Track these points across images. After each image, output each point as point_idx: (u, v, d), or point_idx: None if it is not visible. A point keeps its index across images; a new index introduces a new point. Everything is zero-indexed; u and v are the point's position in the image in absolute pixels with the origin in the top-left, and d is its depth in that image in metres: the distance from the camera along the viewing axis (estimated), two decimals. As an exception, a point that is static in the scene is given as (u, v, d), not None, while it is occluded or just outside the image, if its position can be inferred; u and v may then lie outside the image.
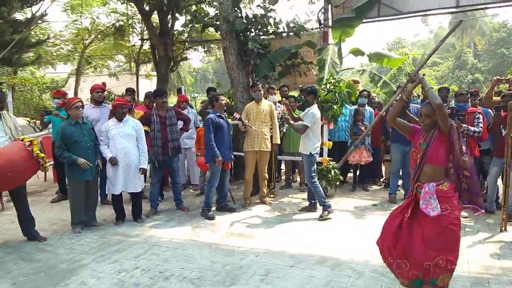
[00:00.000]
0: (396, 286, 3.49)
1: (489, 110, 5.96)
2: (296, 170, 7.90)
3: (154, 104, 6.15)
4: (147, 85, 20.80)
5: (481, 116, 5.41)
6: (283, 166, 8.24)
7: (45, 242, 4.78)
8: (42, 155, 4.43)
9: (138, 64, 15.84)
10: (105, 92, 6.76)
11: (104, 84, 6.50)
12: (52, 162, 6.73)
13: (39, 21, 11.67)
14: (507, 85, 6.13)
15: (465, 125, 5.35)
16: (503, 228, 4.88)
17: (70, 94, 16.47)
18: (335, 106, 6.38)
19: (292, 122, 5.85)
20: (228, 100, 9.03)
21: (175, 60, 12.07)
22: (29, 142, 4.36)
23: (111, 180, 5.31)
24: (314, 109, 5.70)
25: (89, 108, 6.23)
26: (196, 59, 44.27)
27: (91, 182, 5.21)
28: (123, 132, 5.26)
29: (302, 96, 7.00)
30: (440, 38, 51.27)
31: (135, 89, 14.99)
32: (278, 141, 6.33)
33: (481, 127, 5.35)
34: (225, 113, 6.08)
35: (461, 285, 3.49)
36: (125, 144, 5.25)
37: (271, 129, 6.30)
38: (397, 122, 3.37)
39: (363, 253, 4.25)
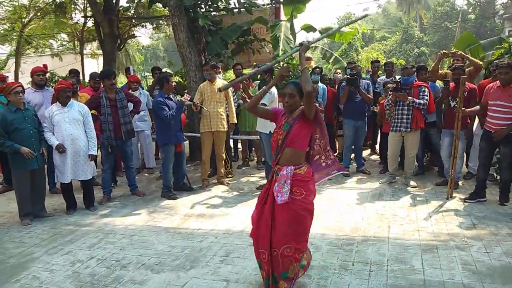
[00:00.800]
0: (352, 258, 3.63)
1: (436, 84, 6.21)
2: (253, 149, 7.91)
3: (102, 86, 5.86)
4: (93, 65, 19.85)
5: (426, 90, 5.60)
6: (239, 145, 8.22)
7: (-9, 237, 4.51)
8: None
9: (82, 43, 14.98)
10: (47, 75, 6.33)
11: (45, 66, 6.10)
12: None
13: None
14: (452, 59, 6.37)
15: (411, 98, 5.52)
16: (449, 196, 5.18)
17: (11, 77, 15.44)
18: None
19: (248, 101, 5.77)
20: (180, 80, 8.83)
21: (121, 38, 11.50)
22: None
23: (59, 168, 5.05)
24: (273, 88, 5.66)
25: (30, 92, 5.85)
26: (144, 36, 42.42)
27: (37, 171, 4.93)
28: (69, 117, 4.98)
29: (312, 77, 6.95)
30: (387, 13, 52.42)
31: (80, 70, 14.24)
32: (235, 120, 6.26)
33: (427, 100, 5.55)
34: (174, 94, 5.90)
35: (413, 253, 3.68)
36: (71, 130, 4.98)
37: (226, 108, 6.22)
38: (258, 110, 3.22)
39: (319, 227, 4.36)
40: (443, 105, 5.78)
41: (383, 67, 8.44)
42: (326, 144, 3.14)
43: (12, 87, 4.69)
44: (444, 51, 6.17)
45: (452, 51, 6.39)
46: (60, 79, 11.19)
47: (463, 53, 6.07)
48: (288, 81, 3.30)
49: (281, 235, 2.89)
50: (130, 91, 6.79)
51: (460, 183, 5.75)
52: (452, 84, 5.47)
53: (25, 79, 13.30)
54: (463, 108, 4.97)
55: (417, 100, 5.51)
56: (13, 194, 5.14)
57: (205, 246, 4.04)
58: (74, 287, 3.35)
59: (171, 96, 5.65)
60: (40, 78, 5.85)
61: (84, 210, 5.32)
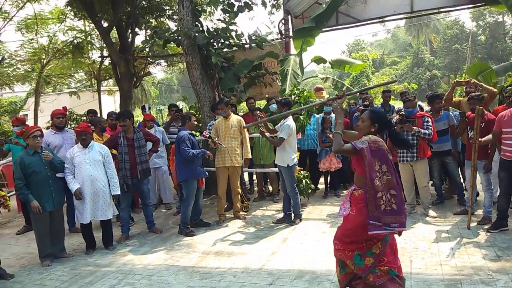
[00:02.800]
0: (373, 296, 3.55)
1: (450, 113, 6.19)
2: (268, 181, 7.91)
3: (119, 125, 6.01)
4: (110, 102, 20.34)
5: (430, 120, 5.68)
6: (254, 178, 8.24)
7: (12, 279, 4.55)
8: (3, 193, 4.23)
9: (99, 82, 15.42)
10: (67, 114, 6.52)
11: (65, 108, 6.29)
12: (14, 192, 6.44)
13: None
14: (465, 87, 6.37)
15: (416, 128, 5.58)
16: (469, 226, 5.07)
17: (30, 115, 15.93)
18: (301, 117, 6.45)
19: (268, 134, 5.86)
20: (195, 113, 9.00)
21: (137, 75, 11.85)
22: None
23: (78, 209, 5.13)
24: (289, 121, 5.77)
25: (50, 134, 6.03)
26: (159, 72, 43.57)
27: (55, 212, 5.01)
28: (89, 158, 5.11)
29: (270, 107, 7.07)
30: (397, 37, 52.81)
31: (98, 107, 14.62)
32: (249, 156, 6.31)
33: (431, 130, 5.60)
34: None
35: (435, 289, 3.59)
36: (91, 170, 5.09)
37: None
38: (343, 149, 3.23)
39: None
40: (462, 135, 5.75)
41: (399, 95, 8.46)
42: (389, 184, 2.98)
43: (31, 131, 4.85)
44: (457, 79, 6.22)
45: (465, 80, 6.41)
46: (78, 117, 11.54)
47: (476, 81, 6.08)
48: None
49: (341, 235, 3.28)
50: (145, 129, 6.95)
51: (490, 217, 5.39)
52: (469, 113, 5.46)
53: (44, 118, 13.72)
54: (479, 139, 4.94)
55: (422, 130, 5.56)
56: (33, 235, 5.21)
57: (223, 286, 4.01)
58: (94, 332, 3.35)
59: (193, 134, 5.83)
60: (60, 120, 6.04)
61: (103, 249, 5.35)
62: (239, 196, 6.33)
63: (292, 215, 5.92)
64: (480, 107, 4.98)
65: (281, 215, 6.07)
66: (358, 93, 8.03)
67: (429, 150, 5.70)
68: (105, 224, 5.36)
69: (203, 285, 4.08)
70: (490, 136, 5.00)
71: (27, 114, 19.21)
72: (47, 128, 6.67)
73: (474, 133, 4.95)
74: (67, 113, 7.38)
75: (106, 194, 5.18)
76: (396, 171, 3.10)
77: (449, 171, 6.13)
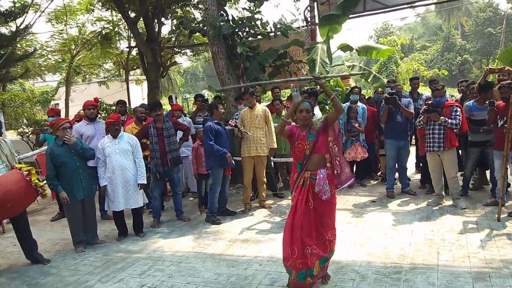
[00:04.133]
0: (400, 287, 3.55)
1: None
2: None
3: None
4: (138, 91, 20.72)
5: (458, 109, 5.50)
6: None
7: (49, 264, 4.79)
8: (41, 183, 4.42)
9: (127, 71, 15.73)
10: (97, 105, 6.70)
11: (96, 99, 6.47)
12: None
13: (24, 34, 11.54)
14: (497, 75, 6.16)
15: (443, 118, 5.45)
16: (499, 218, 4.96)
17: (61, 104, 16.42)
18: (327, 107, 6.41)
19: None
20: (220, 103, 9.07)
21: (164, 65, 12.02)
22: (27, 172, 4.34)
23: (110, 198, 5.31)
24: (317, 111, 5.77)
25: (83, 125, 6.23)
26: (184, 61, 43.88)
27: (86, 200, 5.20)
28: (119, 149, 5.27)
29: (292, 94, 7.03)
30: (426, 21, 51.15)
31: (126, 97, 14.95)
32: (275, 145, 6.34)
33: (459, 120, 5.44)
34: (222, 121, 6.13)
35: (464, 282, 3.55)
36: (121, 160, 5.25)
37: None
38: (284, 133, 3.66)
39: (365, 254, 4.31)
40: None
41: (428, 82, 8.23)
42: (339, 152, 3.67)
43: (60, 123, 5.02)
44: (490, 67, 6.01)
45: (498, 67, 6.19)
46: (108, 107, 11.82)
47: (510, 68, 5.87)
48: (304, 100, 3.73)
49: (325, 225, 3.59)
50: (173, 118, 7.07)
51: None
52: (499, 103, 5.29)
53: (75, 108, 14.13)
54: None
55: (449, 120, 5.43)
56: (67, 222, 5.44)
57: (250, 274, 4.10)
58: (127, 316, 3.50)
59: (220, 123, 5.90)
60: (91, 112, 6.22)
61: (134, 236, 5.54)
62: (264, 185, 6.38)
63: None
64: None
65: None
66: (386, 82, 7.87)
67: (456, 140, 5.56)
68: (136, 212, 5.53)
69: (229, 272, 4.18)
70: None
71: (58, 104, 19.77)
72: (78, 118, 6.82)
73: (508, 122, 4.81)
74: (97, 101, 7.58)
75: (136, 183, 5.34)
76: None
77: (488, 161, 5.93)
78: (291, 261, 3.51)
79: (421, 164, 7.21)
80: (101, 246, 5.28)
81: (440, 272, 3.78)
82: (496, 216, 5.04)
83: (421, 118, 5.72)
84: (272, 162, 7.05)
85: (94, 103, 6.32)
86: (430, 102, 5.66)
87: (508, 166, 5.18)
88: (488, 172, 6.35)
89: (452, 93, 10.98)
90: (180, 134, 6.30)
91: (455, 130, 5.51)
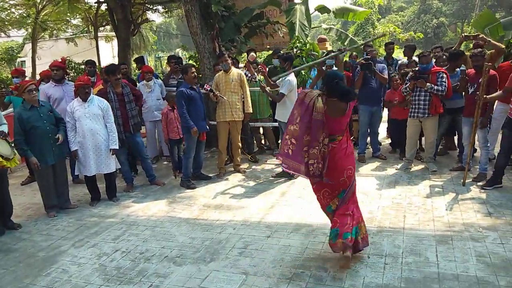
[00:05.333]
0: (367, 250, 3.71)
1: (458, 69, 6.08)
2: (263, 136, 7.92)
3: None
4: (108, 49, 19.90)
5: (444, 75, 5.54)
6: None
7: (20, 229, 4.74)
8: (4, 163, 4.32)
9: (96, 28, 15.00)
10: (65, 66, 6.39)
11: (63, 60, 6.20)
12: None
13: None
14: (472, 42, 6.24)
15: (429, 84, 5.50)
16: (465, 183, 5.19)
17: (28, 62, 15.68)
18: (302, 72, 6.36)
19: (268, 89, 5.81)
20: (195, 64, 8.85)
21: (135, 23, 11.53)
22: None
23: (81, 162, 5.22)
24: (291, 77, 5.71)
25: (51, 86, 6.00)
26: (157, 18, 42.17)
27: (58, 165, 5.10)
28: (89, 113, 5.12)
29: (273, 60, 6.94)
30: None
31: (96, 55, 14.36)
32: (250, 110, 6.30)
33: (445, 86, 5.50)
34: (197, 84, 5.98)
35: (427, 245, 3.74)
36: (91, 124, 5.12)
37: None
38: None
39: (336, 218, 4.44)
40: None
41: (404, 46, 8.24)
42: (294, 133, 3.32)
43: (25, 86, 4.81)
44: (465, 34, 6.07)
45: (473, 34, 6.25)
46: (76, 65, 11.37)
47: (484, 36, 5.93)
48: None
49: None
50: (144, 81, 6.89)
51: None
52: (470, 71, 5.39)
53: (42, 67, 13.51)
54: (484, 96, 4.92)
55: (435, 87, 5.48)
56: (38, 186, 5.35)
57: (224, 238, 4.18)
58: (101, 281, 3.53)
59: (194, 87, 5.75)
60: (55, 73, 5.95)
61: (107, 200, 5.52)
62: (239, 150, 6.40)
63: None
64: (489, 63, 4.92)
65: (280, 169, 6.17)
66: (362, 46, 7.84)
67: (441, 107, 5.66)
68: (108, 177, 5.47)
69: (204, 236, 4.26)
70: (498, 93, 4.97)
71: (24, 61, 18.85)
72: (43, 77, 6.50)
73: (481, 89, 4.92)
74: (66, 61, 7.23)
75: (108, 148, 5.25)
76: (311, 129, 3.26)
77: (458, 128, 6.09)
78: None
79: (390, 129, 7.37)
80: (74, 211, 5.25)
81: (406, 235, 3.96)
82: (462, 181, 5.26)
83: (407, 85, 5.77)
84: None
85: (60, 63, 6.04)
86: (416, 68, 5.70)
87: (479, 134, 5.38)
88: (456, 138, 6.56)
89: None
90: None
91: (440, 96, 5.58)
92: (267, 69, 7.22)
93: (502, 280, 3.11)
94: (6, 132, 4.63)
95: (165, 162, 7.39)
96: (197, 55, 8.30)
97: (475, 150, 6.15)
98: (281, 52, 6.46)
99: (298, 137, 3.30)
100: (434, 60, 6.05)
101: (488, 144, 5.46)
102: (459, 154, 6.11)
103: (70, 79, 11.39)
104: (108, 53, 20.35)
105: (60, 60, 6.14)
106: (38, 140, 4.85)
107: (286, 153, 3.39)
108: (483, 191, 4.96)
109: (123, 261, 3.85)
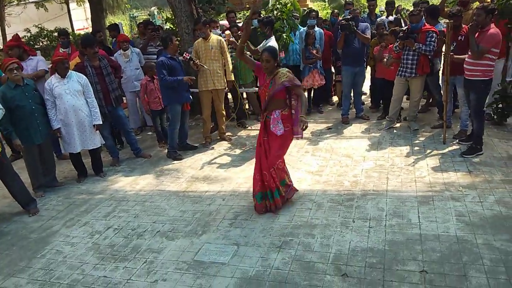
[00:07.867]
0: (352, 214, 3.85)
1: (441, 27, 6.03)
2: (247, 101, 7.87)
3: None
4: (81, 13, 18.99)
5: (434, 35, 5.50)
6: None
7: (10, 211, 4.74)
8: None
9: (66, -10, 14.26)
10: (19, 43, 6.03)
11: (17, 37, 5.90)
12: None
13: None
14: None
15: (417, 44, 5.49)
16: (445, 141, 5.32)
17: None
18: (284, 35, 6.24)
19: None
20: (172, 26, 8.57)
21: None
22: None
23: (65, 140, 5.16)
24: (272, 42, 5.62)
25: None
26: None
27: (44, 144, 5.04)
28: (69, 89, 4.98)
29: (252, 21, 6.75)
30: None
31: (68, 20, 13.75)
32: (232, 78, 6.21)
33: (433, 46, 5.48)
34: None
35: (410, 206, 3.89)
36: (72, 101, 5.00)
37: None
38: (245, 58, 4.14)
39: (321, 183, 4.58)
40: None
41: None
42: (295, 108, 3.88)
43: (7, 65, 4.64)
44: None
45: None
46: (48, 33, 10.90)
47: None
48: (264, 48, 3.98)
49: (275, 156, 3.96)
50: (120, 50, 6.69)
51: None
52: (444, 30, 5.39)
53: (12, 32, 12.88)
54: (451, 54, 5.00)
55: (423, 47, 5.47)
56: (23, 163, 5.30)
57: (214, 210, 4.27)
58: (96, 260, 3.61)
59: (174, 57, 5.61)
60: (9, 53, 5.68)
61: (94, 176, 5.51)
62: (224, 118, 6.37)
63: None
64: (450, 21, 5.00)
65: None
66: (344, 4, 7.66)
67: (428, 67, 5.65)
68: (94, 152, 5.44)
69: (194, 209, 4.34)
70: (466, 55, 4.97)
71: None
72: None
73: (446, 48, 4.97)
74: (36, 29, 6.81)
75: (91, 123, 5.18)
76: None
77: (431, 86, 6.15)
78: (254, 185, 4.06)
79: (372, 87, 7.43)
80: (61, 189, 5.25)
81: (389, 198, 4.11)
82: (442, 139, 5.39)
83: (397, 44, 5.75)
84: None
85: (13, 42, 5.76)
86: (403, 28, 5.66)
87: (458, 91, 5.46)
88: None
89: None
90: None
91: (429, 56, 5.58)
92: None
93: (480, 238, 3.29)
94: None
95: (149, 133, 7.33)
96: (173, 18, 8.02)
97: (456, 106, 6.26)
98: (261, 17, 6.27)
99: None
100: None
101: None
102: (439, 111, 6.21)
103: (44, 46, 10.98)
104: (81, 16, 19.45)
105: (13, 38, 5.86)
106: (24, 119, 4.74)
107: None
108: (463, 148, 5.08)
109: (116, 239, 3.92)
